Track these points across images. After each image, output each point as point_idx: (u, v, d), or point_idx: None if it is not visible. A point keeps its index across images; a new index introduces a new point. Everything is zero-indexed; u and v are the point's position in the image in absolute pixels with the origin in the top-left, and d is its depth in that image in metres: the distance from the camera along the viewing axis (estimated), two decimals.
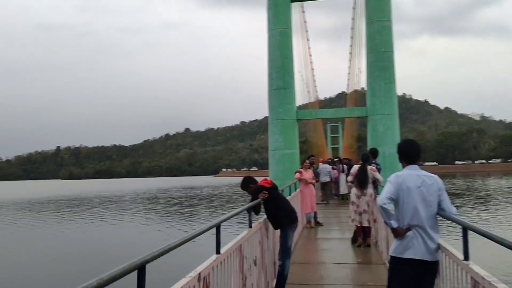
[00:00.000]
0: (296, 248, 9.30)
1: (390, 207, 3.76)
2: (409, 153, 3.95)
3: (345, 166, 21.14)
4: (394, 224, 3.73)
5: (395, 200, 3.79)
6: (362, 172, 8.73)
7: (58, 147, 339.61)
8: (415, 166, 3.89)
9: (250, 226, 4.87)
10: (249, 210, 5.04)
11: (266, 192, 5.67)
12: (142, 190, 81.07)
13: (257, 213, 5.68)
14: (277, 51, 20.15)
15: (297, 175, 11.90)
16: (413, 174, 3.79)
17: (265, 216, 5.85)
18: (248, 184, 5.90)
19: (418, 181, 3.74)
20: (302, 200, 11.71)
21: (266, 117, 21.68)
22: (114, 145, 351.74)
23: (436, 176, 3.83)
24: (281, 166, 20.04)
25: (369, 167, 8.83)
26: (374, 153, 9.85)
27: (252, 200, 5.60)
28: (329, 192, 20.71)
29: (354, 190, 9.01)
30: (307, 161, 12.18)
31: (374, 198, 8.83)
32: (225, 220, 4.00)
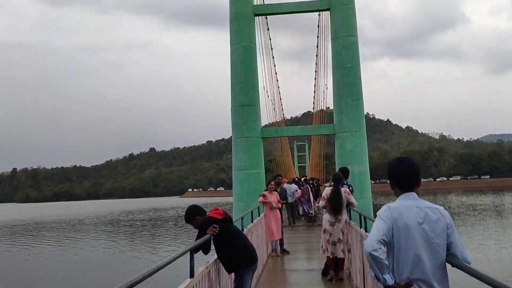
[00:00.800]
0: (259, 283, 8.12)
1: (383, 255, 2.63)
2: (404, 176, 2.87)
3: (309, 186, 20.26)
4: (389, 280, 2.61)
5: (387, 244, 2.69)
6: (336, 196, 7.64)
7: (15, 168, 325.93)
8: (414, 195, 2.80)
9: (192, 275, 3.63)
10: (191, 252, 3.74)
11: (217, 226, 4.46)
12: (103, 212, 78.42)
13: (206, 252, 4.46)
14: (241, 66, 19.20)
15: (261, 198, 10.80)
16: (412, 206, 2.71)
17: (215, 256, 4.66)
18: (193, 215, 4.63)
19: (419, 215, 2.66)
20: (266, 226, 10.59)
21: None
22: (75, 166, 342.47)
23: (441, 208, 2.74)
24: (245, 187, 18.89)
25: (342, 189, 7.83)
26: (346, 172, 8.87)
27: (198, 237, 4.38)
28: (296, 214, 19.70)
29: (326, 217, 7.86)
30: (272, 183, 11.11)
31: (348, 223, 7.81)
32: (157, 270, 2.94)
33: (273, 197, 10.72)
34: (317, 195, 22.19)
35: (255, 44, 19.95)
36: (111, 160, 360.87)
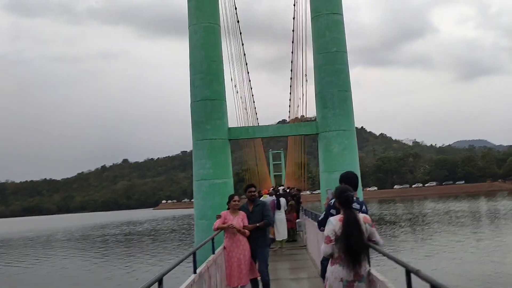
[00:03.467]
0: None
1: None
2: None
3: (282, 198, 16.66)
4: None
5: None
6: (354, 230, 3.95)
7: None
8: None
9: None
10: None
11: None
12: (74, 227, 75.12)
13: None
14: (201, 52, 15.52)
15: (217, 222, 7.13)
16: None
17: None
18: None
19: None
20: (226, 265, 6.92)
21: None
22: (45, 179, 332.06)
23: None
24: (209, 201, 15.15)
25: (361, 215, 4.19)
26: (353, 182, 5.20)
27: None
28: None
29: (336, 272, 4.07)
30: (235, 198, 7.35)
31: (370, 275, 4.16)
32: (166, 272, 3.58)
33: (237, 219, 7.07)
34: (298, 207, 18.59)
35: (219, 26, 16.32)
36: (83, 172, 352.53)
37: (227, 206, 7.35)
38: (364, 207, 4.95)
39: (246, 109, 30.91)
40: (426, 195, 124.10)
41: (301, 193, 22.83)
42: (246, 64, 31.68)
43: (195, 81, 15.62)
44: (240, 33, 28.89)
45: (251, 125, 33.53)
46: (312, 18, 16.07)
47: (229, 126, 16.05)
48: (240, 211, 7.21)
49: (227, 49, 19.84)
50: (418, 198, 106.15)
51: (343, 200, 4.14)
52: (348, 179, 4.98)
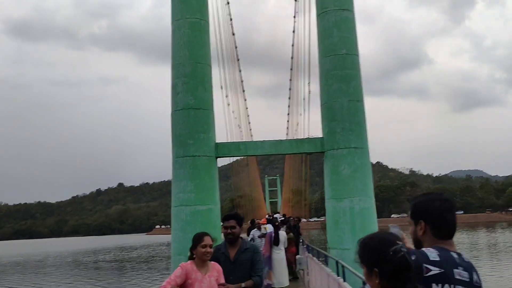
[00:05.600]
0: None
1: None
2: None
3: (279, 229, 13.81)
4: None
5: None
6: None
7: None
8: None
9: None
10: None
11: None
12: (66, 252, 72.92)
13: None
14: (185, 52, 12.96)
15: (172, 279, 4.29)
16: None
17: None
18: None
19: None
20: None
21: None
22: (39, 202, 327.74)
23: None
24: (189, 232, 12.22)
25: None
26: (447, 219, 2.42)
27: None
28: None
29: None
30: (206, 241, 4.34)
31: None
32: None
33: (208, 280, 4.21)
34: (298, 240, 15.68)
35: (208, 22, 13.80)
36: (77, 195, 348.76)
37: (189, 254, 4.45)
38: (476, 276, 2.13)
39: (239, 126, 28.04)
40: None
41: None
42: (243, 91, 32.11)
43: (177, 86, 12.99)
44: (238, 60, 28.65)
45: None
46: (318, 16, 13.56)
47: (217, 142, 13.33)
48: (213, 264, 4.34)
49: (216, 42, 17.55)
50: None
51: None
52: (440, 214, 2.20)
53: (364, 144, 12.69)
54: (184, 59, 12.99)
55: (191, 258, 4.31)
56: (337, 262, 6.99)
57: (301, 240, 15.50)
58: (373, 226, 12.36)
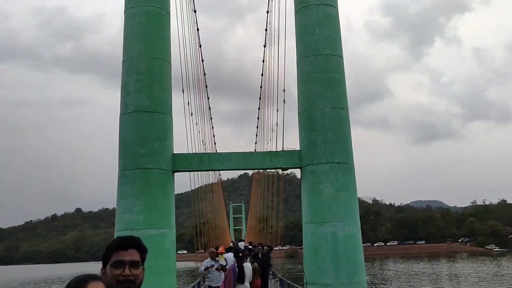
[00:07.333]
0: None
1: None
2: None
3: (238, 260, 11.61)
4: None
5: None
6: None
7: None
8: None
9: None
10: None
11: None
12: (16, 281, 69.53)
13: None
14: (139, 45, 10.83)
15: None
16: None
17: None
18: None
19: None
20: None
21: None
22: None
23: None
24: None
25: None
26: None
27: None
28: None
29: None
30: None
31: None
32: None
33: None
34: (267, 272, 13.42)
35: (169, 12, 11.75)
36: (31, 221, 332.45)
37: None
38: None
39: (203, 142, 25.78)
40: (388, 254, 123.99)
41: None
42: (211, 118, 33.20)
43: (127, 85, 10.76)
44: (206, 87, 28.73)
45: (215, 179, 32.63)
46: (296, 12, 11.78)
47: (175, 153, 11.10)
48: None
49: (178, 33, 15.55)
50: (380, 257, 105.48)
51: None
52: None
53: (349, 159, 10.78)
54: (137, 54, 10.84)
55: None
56: None
57: (271, 272, 13.29)
58: (359, 255, 10.34)
